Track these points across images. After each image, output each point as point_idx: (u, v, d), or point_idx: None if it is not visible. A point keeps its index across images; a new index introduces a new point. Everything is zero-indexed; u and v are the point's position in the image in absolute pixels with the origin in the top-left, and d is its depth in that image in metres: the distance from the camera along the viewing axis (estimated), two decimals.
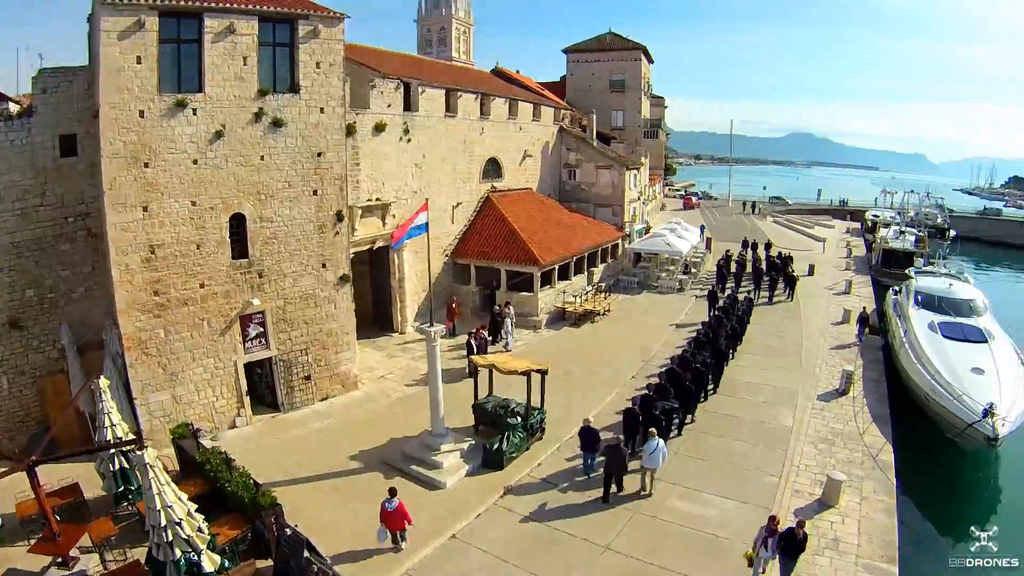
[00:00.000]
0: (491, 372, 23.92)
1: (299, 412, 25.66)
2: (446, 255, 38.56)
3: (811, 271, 53.44)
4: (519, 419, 22.11)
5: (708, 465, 21.62)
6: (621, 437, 21.32)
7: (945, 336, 29.37)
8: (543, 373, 22.93)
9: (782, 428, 24.34)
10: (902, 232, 63.97)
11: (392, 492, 16.81)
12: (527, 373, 22.24)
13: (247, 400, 24.53)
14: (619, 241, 49.87)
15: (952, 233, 74.29)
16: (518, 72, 67.50)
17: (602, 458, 19.79)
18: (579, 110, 65.50)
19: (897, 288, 41.40)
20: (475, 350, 28.29)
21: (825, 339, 35.94)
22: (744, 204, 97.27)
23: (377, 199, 31.98)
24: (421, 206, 21.29)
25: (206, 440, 21.18)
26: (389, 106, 32.47)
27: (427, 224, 20.68)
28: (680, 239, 48.41)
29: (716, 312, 36.51)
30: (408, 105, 34.23)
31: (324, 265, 25.89)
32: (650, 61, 75.58)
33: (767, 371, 30.47)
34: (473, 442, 21.90)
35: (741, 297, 40.91)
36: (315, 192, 25.03)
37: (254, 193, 23.32)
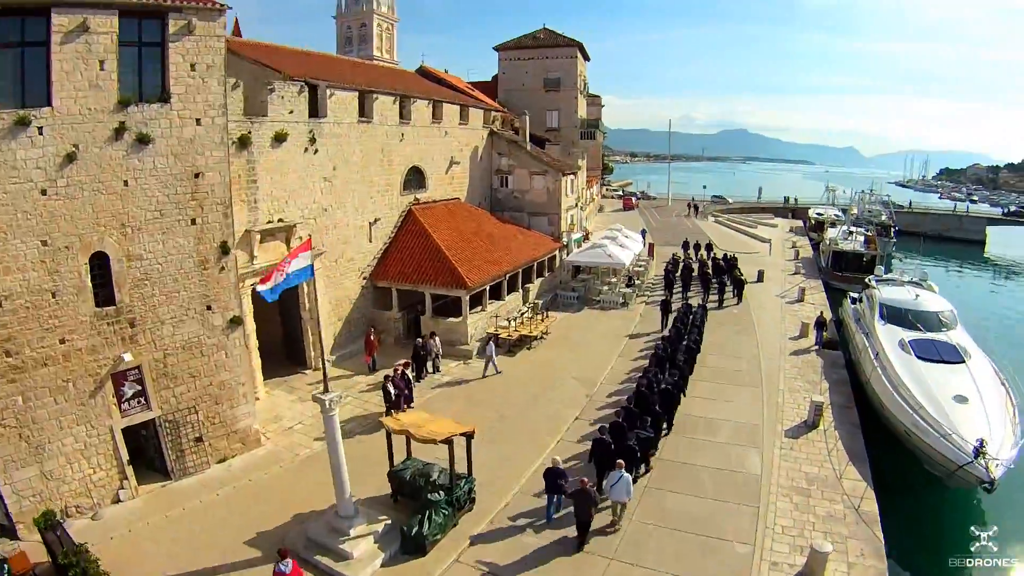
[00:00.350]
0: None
1: (192, 479, 22.02)
2: (364, 277, 35.10)
3: (760, 277, 51.80)
4: (442, 494, 18.86)
5: (667, 536, 18.81)
6: (585, 479, 18.73)
7: (920, 357, 27.58)
8: (469, 437, 19.92)
9: (750, 477, 21.86)
10: (851, 232, 62.89)
11: (282, 554, 14.99)
12: (449, 440, 18.97)
13: (130, 470, 20.82)
14: (556, 253, 47.29)
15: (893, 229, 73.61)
16: (446, 72, 64.68)
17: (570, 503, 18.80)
18: (512, 111, 62.89)
19: (856, 296, 39.83)
20: (393, 397, 25.28)
21: (784, 357, 34.09)
22: (689, 206, 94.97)
23: (280, 220, 28.42)
24: (302, 244, 17.71)
25: (84, 518, 18.52)
26: (291, 112, 28.95)
27: (311, 267, 17.30)
28: (622, 248, 46.15)
29: (674, 324, 35.80)
30: (315, 110, 30.81)
31: (209, 307, 22.23)
32: (586, 58, 73.28)
33: (726, 402, 28.14)
34: (389, 522, 18.52)
35: (695, 303, 40.57)
36: (193, 221, 21.37)
37: (118, 226, 19.59)
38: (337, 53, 69.44)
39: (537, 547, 18.37)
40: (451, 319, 34.34)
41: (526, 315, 37.35)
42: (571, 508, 18.62)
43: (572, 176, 51.30)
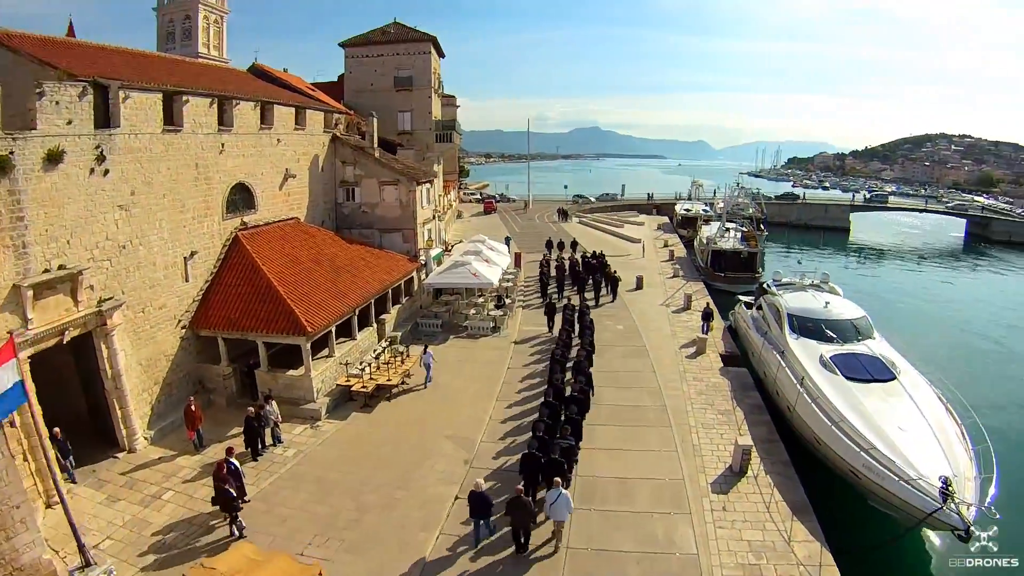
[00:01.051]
0: None
1: None
2: (183, 327, 29.37)
3: (639, 284, 49.64)
4: None
5: None
6: (521, 487, 19.08)
7: (847, 377, 25.76)
8: None
9: (687, 560, 18.44)
10: (727, 229, 61.91)
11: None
12: None
13: None
14: (414, 274, 43.22)
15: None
16: (285, 71, 59.04)
17: (505, 517, 18.80)
18: (360, 114, 58.26)
19: (750, 302, 38.29)
20: (224, 492, 19.92)
21: (686, 382, 31.84)
22: (559, 212, 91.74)
23: (61, 267, 22.61)
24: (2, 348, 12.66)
25: None
26: (70, 123, 23.08)
27: (22, 385, 12.25)
28: (488, 264, 42.79)
29: (562, 327, 35.82)
30: (105, 119, 25.05)
31: None
32: (441, 55, 69.35)
33: (635, 452, 24.84)
34: None
35: (575, 302, 41.62)
36: None
37: None
38: (158, 51, 62.29)
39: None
40: (292, 372, 29.42)
41: (384, 354, 33.08)
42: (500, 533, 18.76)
43: (428, 184, 47.44)
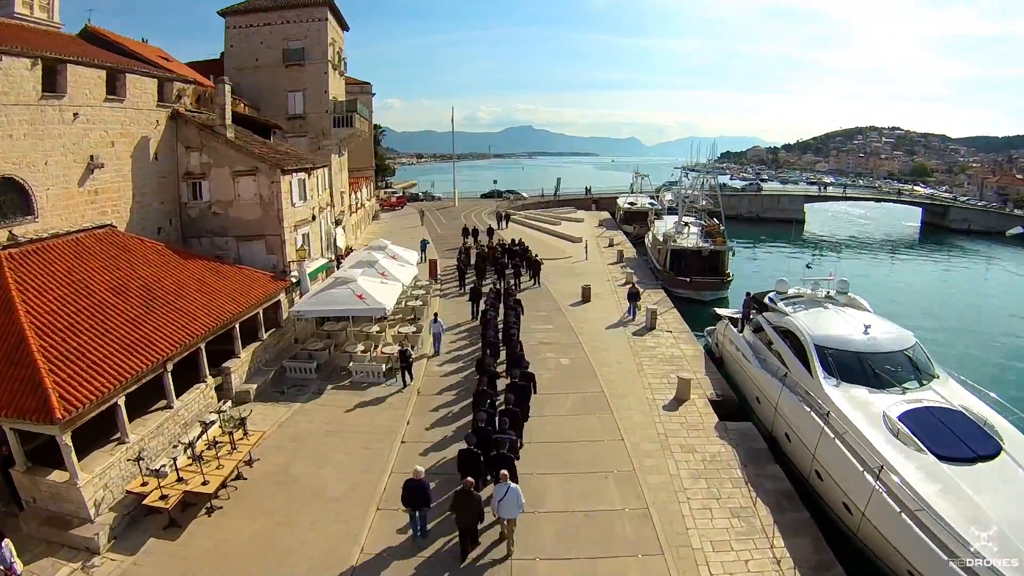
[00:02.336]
0: None
1: None
2: None
3: (586, 296, 38.73)
4: None
5: None
6: (471, 479, 15.89)
7: (939, 455, 16.00)
8: None
9: None
10: (685, 224, 51.32)
11: None
12: None
13: None
14: (282, 297, 30.83)
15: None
16: (149, 41, 46.32)
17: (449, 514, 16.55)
18: (242, 97, 46.33)
19: (734, 316, 30.61)
20: None
21: (671, 457, 20.84)
22: (497, 216, 73.82)
23: None
24: None
25: None
26: None
27: None
28: (384, 281, 30.85)
29: (483, 312, 32.15)
30: None
31: None
32: (343, 26, 56.92)
33: None
34: None
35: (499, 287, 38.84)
36: None
37: None
38: None
39: None
40: (53, 476, 17.29)
41: (213, 431, 20.90)
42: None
43: (302, 174, 35.09)
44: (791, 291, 26.99)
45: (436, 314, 32.47)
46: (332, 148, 50.71)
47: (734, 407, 25.04)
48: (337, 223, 47.30)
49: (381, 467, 20.34)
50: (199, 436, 20.24)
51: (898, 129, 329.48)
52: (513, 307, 31.36)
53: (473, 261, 46.01)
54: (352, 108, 52.68)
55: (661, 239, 49.53)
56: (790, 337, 23.47)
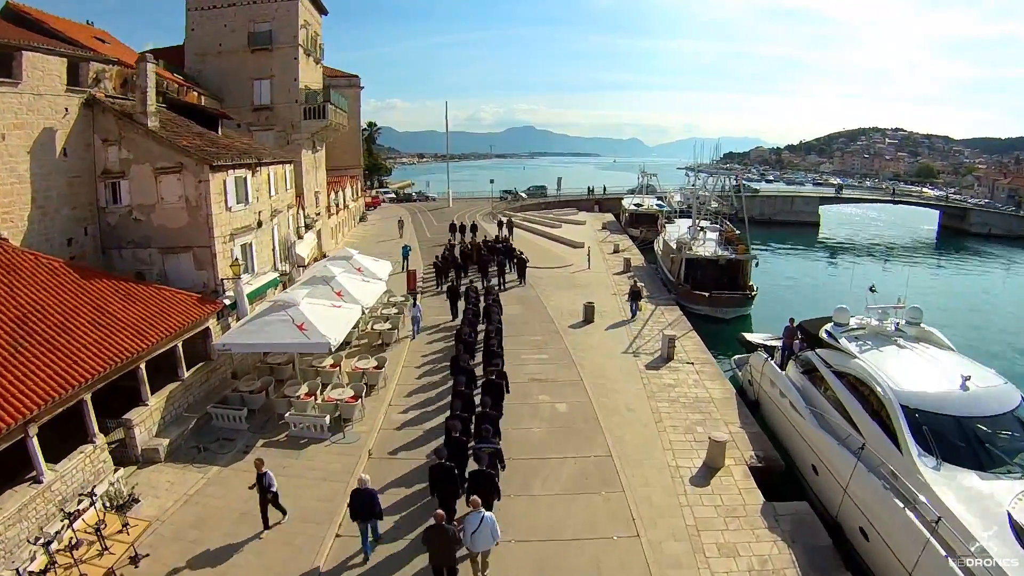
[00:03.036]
0: None
1: None
2: None
3: (589, 316, 32.76)
4: None
5: None
6: (441, 512, 13.49)
7: None
8: None
9: None
10: (701, 229, 45.11)
11: None
12: None
13: None
14: (212, 324, 24.20)
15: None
16: (90, 23, 40.04)
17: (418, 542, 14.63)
18: (202, 86, 41.01)
19: (770, 347, 25.18)
20: None
21: (708, 559, 14.78)
22: (499, 223, 61.33)
23: None
24: None
25: None
26: None
27: None
28: (337, 304, 24.58)
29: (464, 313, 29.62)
30: None
31: None
32: (321, 10, 50.80)
33: None
34: None
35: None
36: None
37: None
38: None
39: None
40: None
41: (91, 514, 14.72)
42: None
43: (244, 172, 28.54)
44: (853, 320, 20.77)
45: (416, 298, 31.88)
46: (303, 143, 44.62)
47: (780, 474, 19.05)
48: (307, 227, 41.10)
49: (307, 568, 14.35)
50: (62, 530, 14.18)
51: (901, 130, 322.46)
52: (496, 302, 29.83)
53: (456, 259, 43.04)
54: (326, 98, 46.41)
55: (674, 246, 43.27)
56: (858, 386, 17.46)
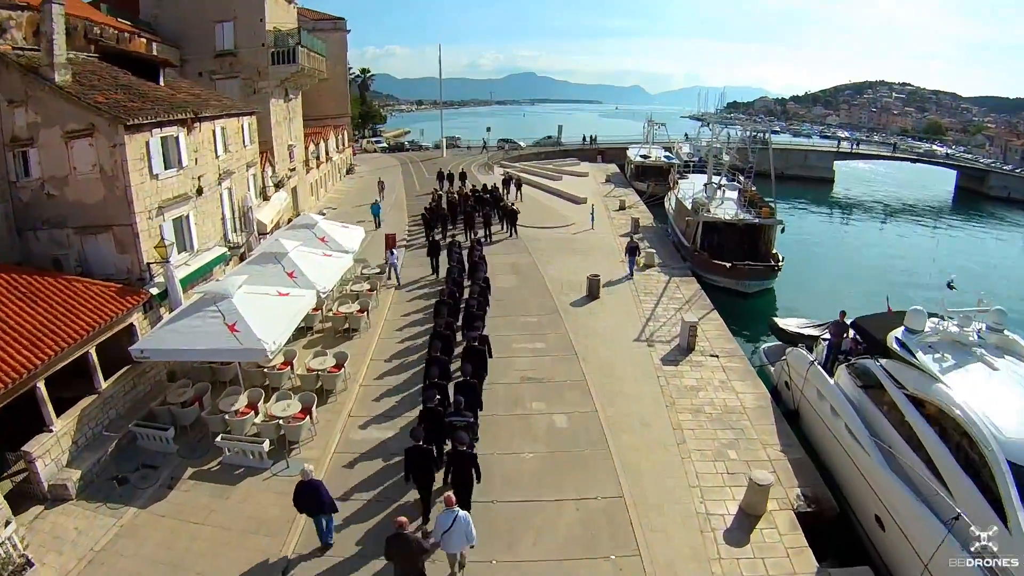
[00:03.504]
0: None
1: None
2: None
3: (594, 291, 28.78)
4: None
5: None
6: (404, 519, 12.09)
7: None
8: None
9: None
10: (719, 188, 40.76)
11: None
12: None
13: None
14: (137, 320, 19.75)
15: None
16: None
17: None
18: (154, 33, 36.21)
19: (811, 342, 21.76)
20: None
21: None
22: (506, 182, 52.32)
23: None
24: None
25: None
26: None
27: None
28: (285, 292, 19.96)
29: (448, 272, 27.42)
30: None
31: None
32: None
33: None
34: None
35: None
36: None
37: None
38: None
39: None
40: None
41: None
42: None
43: (175, 129, 23.11)
44: (929, 324, 16.40)
45: (392, 249, 31.16)
46: (272, 91, 39.67)
47: (832, 520, 15.04)
48: (277, 186, 36.49)
49: None
50: None
51: (909, 85, 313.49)
52: (480, 261, 28.50)
53: (443, 210, 40.72)
54: (297, 40, 41.00)
55: (689, 207, 38.77)
56: (941, 420, 13.38)
